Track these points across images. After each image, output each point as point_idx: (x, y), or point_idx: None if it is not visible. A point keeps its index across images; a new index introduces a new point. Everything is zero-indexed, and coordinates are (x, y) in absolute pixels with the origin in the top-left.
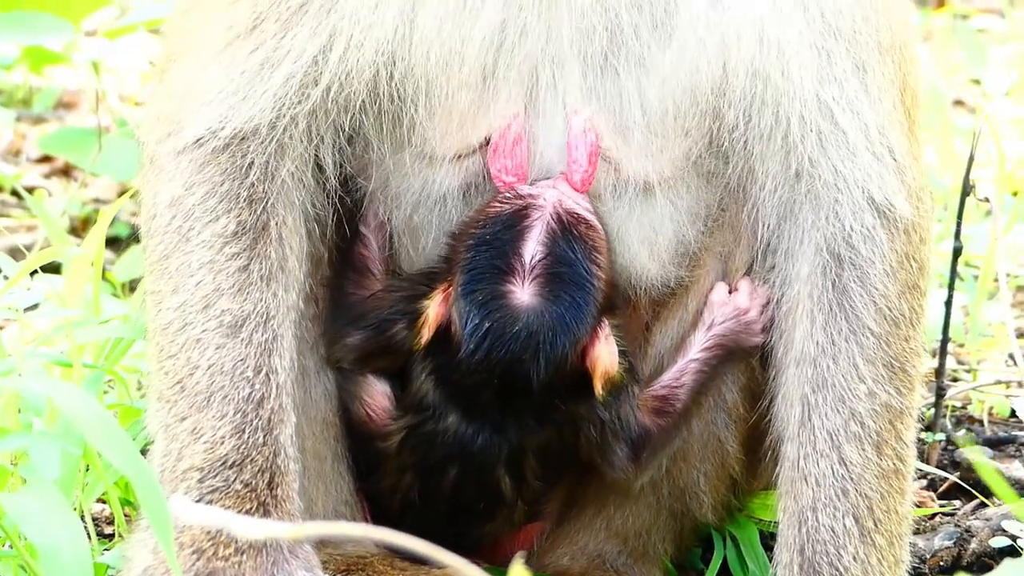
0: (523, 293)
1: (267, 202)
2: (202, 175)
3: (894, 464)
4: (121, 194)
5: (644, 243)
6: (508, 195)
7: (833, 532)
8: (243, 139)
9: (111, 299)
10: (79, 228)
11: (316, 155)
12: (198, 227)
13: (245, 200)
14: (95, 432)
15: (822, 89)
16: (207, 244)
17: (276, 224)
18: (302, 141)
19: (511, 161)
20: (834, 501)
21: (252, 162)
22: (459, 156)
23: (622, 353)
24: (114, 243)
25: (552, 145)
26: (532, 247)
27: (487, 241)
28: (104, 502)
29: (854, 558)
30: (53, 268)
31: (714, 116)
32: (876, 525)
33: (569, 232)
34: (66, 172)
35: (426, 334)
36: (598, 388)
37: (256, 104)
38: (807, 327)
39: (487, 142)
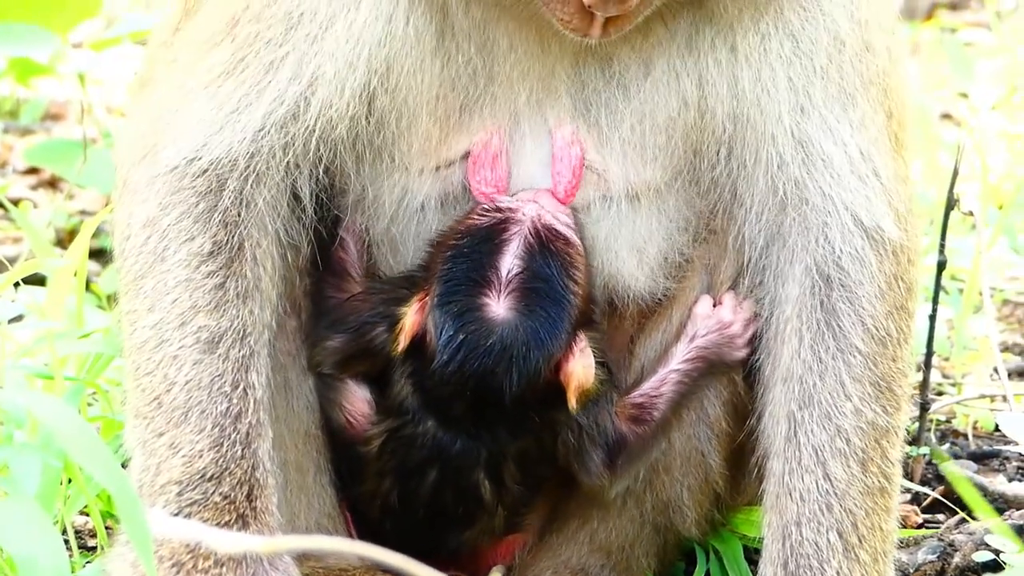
0: (498, 307)
1: (242, 225)
2: (177, 196)
3: (879, 481)
4: (107, 206)
5: (632, 253)
6: (487, 208)
7: (817, 547)
8: (219, 169)
9: (95, 311)
10: (65, 240)
11: (293, 185)
12: (173, 247)
13: (220, 222)
14: (76, 445)
15: (802, 121)
16: (183, 263)
17: (251, 246)
18: (279, 171)
19: (491, 174)
20: (818, 516)
21: (227, 187)
22: (438, 168)
23: (600, 364)
24: (99, 255)
25: (534, 159)
26: (509, 261)
27: (464, 253)
28: (86, 515)
29: (837, 573)
30: (38, 280)
31: (694, 151)
32: (860, 541)
33: (546, 248)
34: (52, 184)
35: (402, 342)
36: (571, 402)
37: (234, 137)
38: (795, 345)
39: (467, 155)
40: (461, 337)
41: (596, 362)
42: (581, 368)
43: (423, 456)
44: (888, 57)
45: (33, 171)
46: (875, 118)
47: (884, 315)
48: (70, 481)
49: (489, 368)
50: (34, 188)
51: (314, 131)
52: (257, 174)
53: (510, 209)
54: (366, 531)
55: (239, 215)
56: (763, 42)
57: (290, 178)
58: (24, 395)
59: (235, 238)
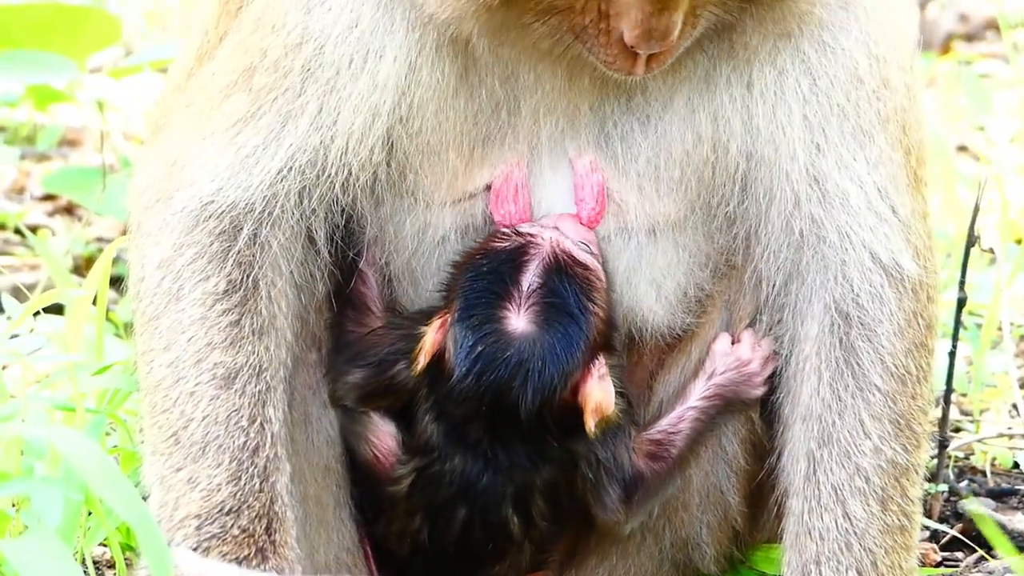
0: (518, 319)
1: (256, 266)
2: (191, 237)
3: (899, 520)
4: (124, 233)
5: (651, 286)
6: (508, 232)
7: None
8: (235, 213)
9: (114, 339)
10: (83, 267)
11: (308, 228)
12: (188, 286)
13: (234, 262)
14: (97, 479)
15: (818, 159)
16: (198, 302)
17: (266, 284)
18: (294, 215)
19: (514, 207)
20: (838, 555)
21: (242, 230)
22: (459, 200)
23: (620, 394)
24: (117, 283)
25: (555, 189)
26: (529, 278)
27: (485, 273)
28: (105, 546)
29: None
30: (56, 307)
31: (708, 186)
32: None
33: (565, 270)
34: (70, 210)
35: (422, 360)
36: (589, 424)
37: (251, 182)
38: (814, 383)
39: (487, 188)
40: (480, 349)
41: (616, 392)
42: (600, 391)
43: (452, 493)
44: (906, 94)
45: (50, 197)
46: (893, 155)
47: (904, 353)
48: (89, 512)
49: (505, 382)
50: (51, 214)
51: (333, 179)
52: (272, 218)
53: (530, 234)
54: (387, 565)
55: (254, 256)
56: (780, 78)
57: (305, 222)
58: (45, 429)
59: (250, 278)
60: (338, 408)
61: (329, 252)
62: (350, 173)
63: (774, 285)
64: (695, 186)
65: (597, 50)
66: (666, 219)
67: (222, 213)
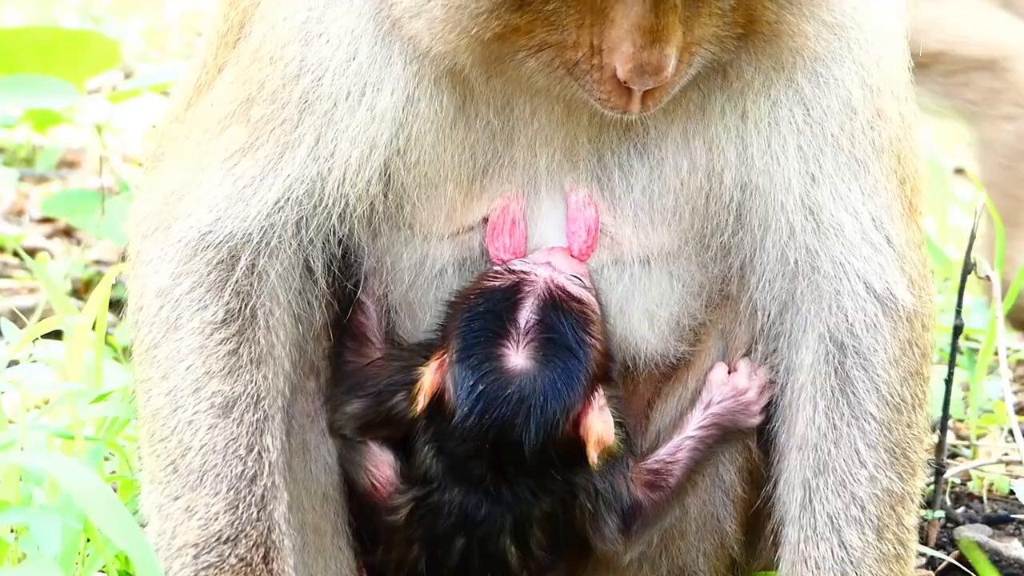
0: (517, 357)
1: (254, 295)
2: (189, 266)
3: (895, 548)
4: (123, 257)
5: (645, 316)
6: (501, 271)
7: None
8: (233, 243)
9: (113, 363)
10: (81, 290)
11: (306, 259)
12: (186, 315)
13: (232, 292)
14: (95, 508)
15: (813, 190)
16: (196, 331)
17: (264, 314)
18: (292, 245)
19: (509, 240)
20: None
21: (240, 260)
22: (456, 233)
23: (618, 424)
24: (115, 306)
25: (550, 222)
26: (525, 316)
27: (481, 312)
28: (104, 573)
29: None
30: (56, 330)
31: (702, 216)
32: None
33: (560, 306)
34: (68, 232)
35: (422, 401)
36: (592, 457)
37: (248, 213)
38: (809, 412)
39: (484, 221)
40: (481, 388)
41: (615, 422)
42: (601, 423)
43: (450, 524)
44: (901, 123)
45: (48, 220)
46: (887, 185)
47: (899, 381)
48: (88, 540)
49: (508, 419)
50: (49, 237)
51: (330, 209)
52: (270, 249)
53: (523, 272)
54: None
55: (251, 286)
56: (774, 109)
57: (303, 252)
58: (44, 458)
59: (248, 307)
60: (337, 437)
61: (327, 282)
62: (347, 204)
63: (769, 314)
64: (689, 216)
65: (591, 87)
66: (660, 249)
67: (220, 243)
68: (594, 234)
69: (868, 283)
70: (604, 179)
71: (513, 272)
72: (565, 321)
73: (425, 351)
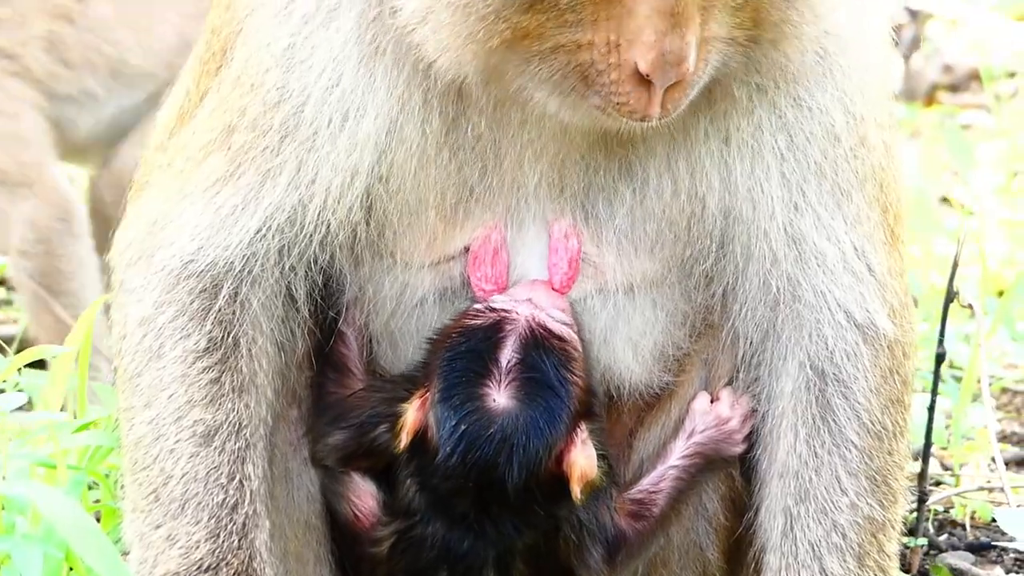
0: (499, 396)
1: (236, 324)
2: (172, 295)
3: (875, 575)
4: (108, 289)
5: (629, 345)
6: (482, 309)
7: None
8: (215, 272)
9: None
10: None
11: (288, 287)
12: (169, 344)
13: (215, 320)
14: (77, 537)
15: (796, 218)
16: (179, 359)
17: (246, 342)
18: (274, 274)
19: (491, 270)
20: None
21: (222, 289)
22: (437, 263)
23: (601, 456)
24: None
25: (532, 254)
26: (507, 355)
27: (463, 352)
28: None
29: None
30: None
31: (684, 243)
32: None
33: (542, 344)
34: None
35: (404, 439)
36: (575, 492)
37: (231, 241)
38: (790, 440)
39: (466, 250)
40: (463, 428)
41: (597, 453)
42: (583, 458)
43: (433, 557)
44: (884, 151)
45: None
46: (870, 214)
47: (880, 409)
48: (71, 569)
49: (491, 458)
50: None
51: (312, 236)
52: (252, 277)
53: (504, 310)
54: None
55: (234, 315)
56: (756, 134)
57: (285, 280)
58: (26, 487)
59: (230, 336)
60: (319, 468)
61: (309, 311)
62: (328, 231)
63: (751, 343)
64: (672, 243)
65: (608, 90)
66: (643, 277)
67: (202, 272)
68: (576, 266)
69: (849, 312)
70: (588, 205)
71: (494, 311)
72: (547, 360)
73: (407, 384)
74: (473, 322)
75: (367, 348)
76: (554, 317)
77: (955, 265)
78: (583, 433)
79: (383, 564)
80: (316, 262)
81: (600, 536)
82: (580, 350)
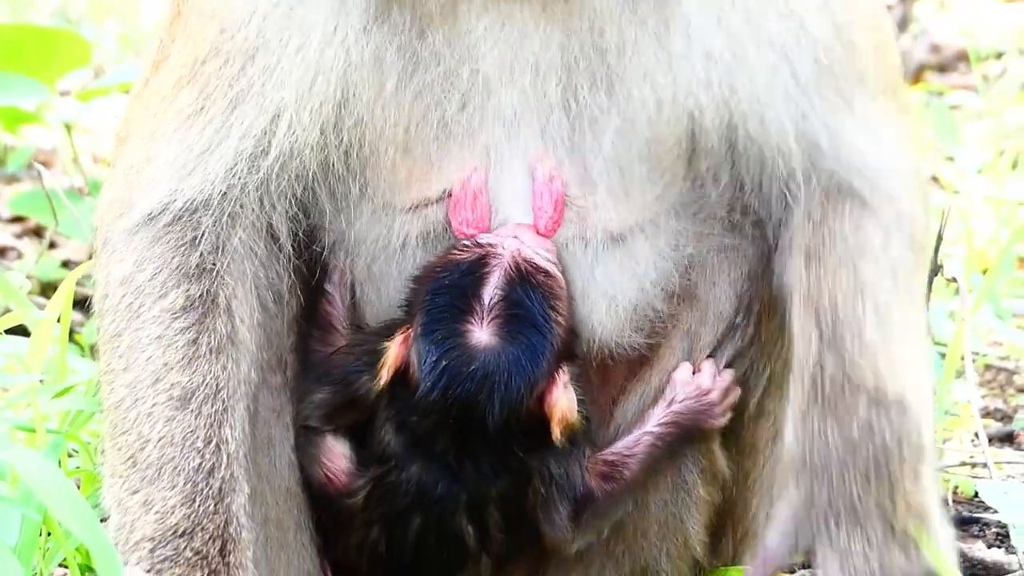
0: (481, 333)
1: (217, 274)
2: (152, 251)
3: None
4: (91, 256)
5: (605, 299)
6: (468, 244)
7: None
8: (194, 211)
9: (79, 360)
10: (48, 290)
11: (269, 223)
12: (148, 303)
13: (194, 274)
14: (55, 500)
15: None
16: (156, 320)
17: (226, 296)
18: (254, 210)
19: (472, 214)
20: None
21: (203, 233)
22: (417, 207)
23: (580, 402)
24: (83, 305)
25: (514, 195)
26: (491, 291)
27: (446, 286)
28: (65, 567)
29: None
30: (23, 329)
31: (687, 163)
32: None
33: (527, 280)
34: (38, 232)
35: (385, 375)
36: (556, 433)
37: (207, 177)
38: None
39: (447, 193)
40: (444, 363)
41: (577, 399)
42: (565, 400)
43: (407, 503)
44: (876, 36)
45: (19, 219)
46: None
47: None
48: (49, 534)
49: (472, 395)
50: (19, 236)
51: (285, 164)
52: (231, 214)
53: (490, 245)
54: None
55: (214, 262)
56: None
57: (265, 217)
58: (5, 449)
59: (210, 290)
60: (301, 431)
61: (293, 251)
62: (300, 159)
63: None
64: (670, 170)
65: None
66: (632, 216)
67: (181, 216)
68: (561, 208)
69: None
70: (570, 149)
71: (480, 245)
72: (532, 296)
73: (389, 331)
74: (458, 257)
75: (351, 299)
76: (540, 254)
77: (939, 239)
78: (565, 375)
79: (360, 514)
80: (296, 198)
81: (569, 493)
82: (565, 288)
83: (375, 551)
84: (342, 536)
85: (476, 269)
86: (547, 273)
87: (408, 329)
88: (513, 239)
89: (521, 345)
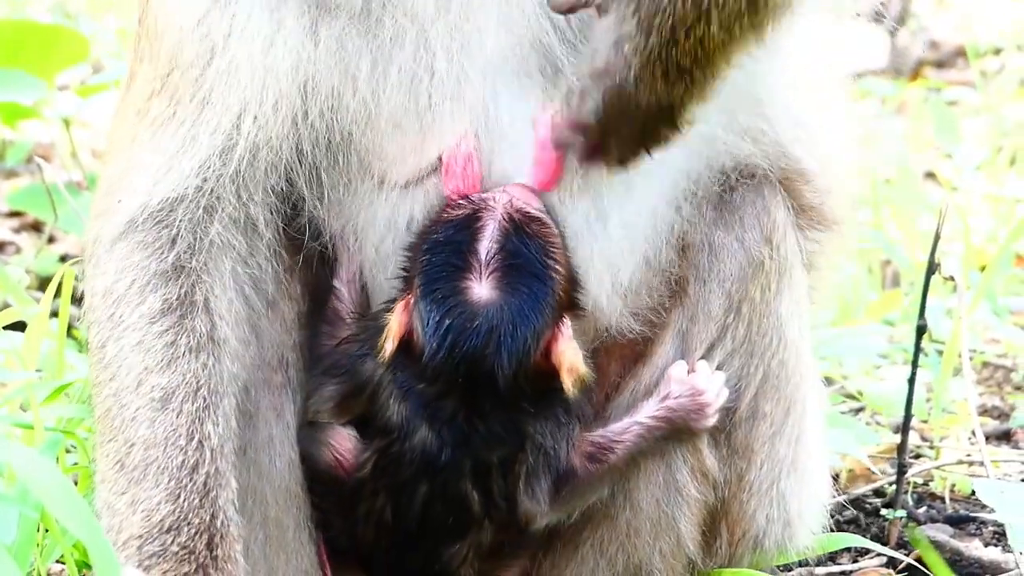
0: (481, 288)
1: (194, 272)
2: (130, 260)
3: None
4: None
5: (599, 257)
6: (459, 201)
7: None
8: (171, 209)
9: (77, 356)
10: (47, 285)
11: (247, 214)
12: (127, 312)
13: (172, 276)
14: (53, 498)
15: None
16: (135, 327)
17: (204, 294)
18: (231, 202)
19: (464, 181)
20: None
21: (179, 232)
22: (411, 182)
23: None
24: (83, 300)
25: (508, 155)
26: (486, 244)
27: (441, 243)
28: (62, 563)
29: None
30: (21, 324)
31: None
32: None
33: (521, 230)
34: (37, 227)
35: (390, 345)
36: (567, 383)
37: (181, 173)
38: None
39: (441, 162)
40: (448, 322)
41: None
42: (571, 351)
43: (412, 472)
44: None
45: (17, 214)
46: None
47: None
48: (46, 530)
49: (479, 350)
50: (17, 231)
51: (257, 155)
52: (206, 207)
53: (481, 199)
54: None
55: (192, 259)
56: None
57: (243, 208)
58: (2, 447)
59: (188, 291)
60: (310, 425)
61: (275, 238)
62: (275, 151)
63: None
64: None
65: None
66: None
67: (159, 218)
68: (560, 164)
69: None
70: (557, 75)
71: (471, 201)
72: (528, 244)
73: (389, 307)
74: (449, 214)
75: (361, 284)
76: (531, 204)
77: (937, 237)
78: (568, 328)
79: (367, 484)
80: (276, 188)
81: (554, 465)
82: (560, 237)
83: (382, 519)
84: (348, 512)
85: (469, 224)
86: (541, 222)
87: (408, 296)
88: (503, 192)
89: (523, 295)
